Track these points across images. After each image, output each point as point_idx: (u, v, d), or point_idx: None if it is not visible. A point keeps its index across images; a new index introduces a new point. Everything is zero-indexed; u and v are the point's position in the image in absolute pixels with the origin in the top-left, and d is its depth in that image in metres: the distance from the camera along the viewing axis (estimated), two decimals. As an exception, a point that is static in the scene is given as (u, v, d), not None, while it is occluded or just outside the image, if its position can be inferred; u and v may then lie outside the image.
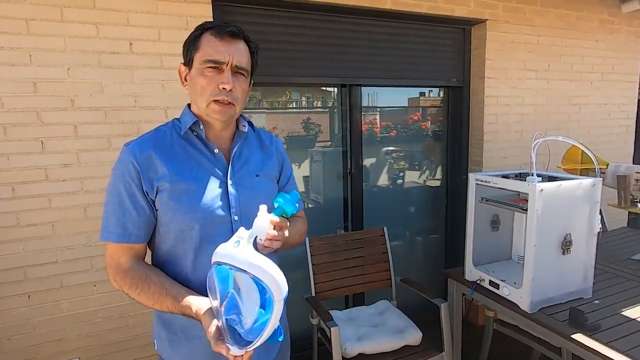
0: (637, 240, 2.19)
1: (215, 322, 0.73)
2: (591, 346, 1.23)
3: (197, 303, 0.80)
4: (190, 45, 0.89)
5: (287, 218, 0.83)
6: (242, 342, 0.71)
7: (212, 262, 0.73)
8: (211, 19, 1.77)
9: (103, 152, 1.69)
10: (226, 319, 0.71)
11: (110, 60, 1.65)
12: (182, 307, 0.81)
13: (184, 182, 0.87)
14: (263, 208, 0.80)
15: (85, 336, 1.76)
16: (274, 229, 0.80)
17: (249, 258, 0.70)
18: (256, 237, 0.78)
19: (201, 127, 0.92)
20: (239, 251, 0.72)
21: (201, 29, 0.89)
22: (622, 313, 1.41)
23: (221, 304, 0.71)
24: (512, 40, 2.50)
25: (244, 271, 0.69)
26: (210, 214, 0.88)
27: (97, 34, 1.62)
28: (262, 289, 0.69)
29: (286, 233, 0.84)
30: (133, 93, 1.70)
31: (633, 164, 2.17)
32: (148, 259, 0.94)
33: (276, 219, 0.80)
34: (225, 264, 0.71)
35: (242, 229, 0.76)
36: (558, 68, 2.70)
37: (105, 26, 1.63)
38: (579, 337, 1.28)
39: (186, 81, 0.92)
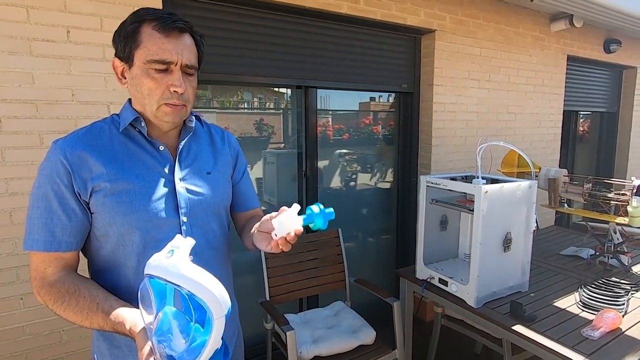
0: (565, 237, 2.43)
1: (150, 342, 0.66)
2: (529, 336, 1.34)
3: (133, 319, 0.71)
4: (128, 39, 0.78)
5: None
6: None
7: (144, 274, 0.66)
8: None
9: (33, 150, 1.52)
10: (157, 340, 0.63)
11: (43, 48, 1.49)
12: (114, 323, 0.72)
13: (125, 181, 0.80)
14: (296, 207, 0.75)
15: (9, 356, 1.56)
16: (292, 236, 0.75)
17: (183, 270, 0.62)
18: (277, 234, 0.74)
19: (142, 123, 0.84)
20: (172, 262, 0.63)
21: (139, 20, 0.78)
22: (554, 304, 1.55)
23: (154, 321, 0.64)
24: (457, 51, 2.65)
25: (177, 286, 0.62)
26: (154, 216, 0.82)
27: (27, 19, 1.46)
28: (198, 306, 0.62)
29: (294, 241, 0.80)
30: (70, 86, 1.55)
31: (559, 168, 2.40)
32: (85, 268, 0.86)
33: (300, 226, 0.75)
34: (156, 277, 0.64)
35: (178, 237, 0.69)
36: (497, 79, 2.91)
37: (37, 10, 1.47)
38: (518, 328, 1.38)
39: (124, 77, 0.83)
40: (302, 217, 0.76)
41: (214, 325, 0.61)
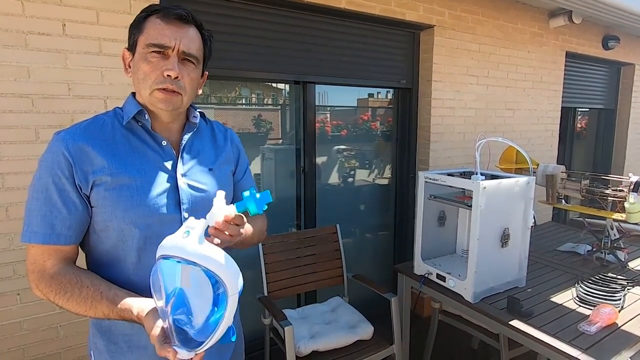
0: (562, 233, 2.43)
1: (160, 323, 0.67)
2: (526, 331, 1.34)
3: (139, 305, 0.72)
4: (135, 29, 0.82)
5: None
6: (191, 343, 0.65)
7: (157, 256, 0.67)
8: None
9: (29, 144, 1.51)
10: (174, 319, 0.64)
11: (39, 42, 1.48)
12: (120, 310, 0.73)
13: (127, 175, 0.79)
14: (220, 195, 0.73)
15: (6, 352, 1.56)
16: (229, 223, 0.73)
17: (200, 249, 0.65)
18: (208, 225, 0.71)
19: (146, 117, 0.84)
20: (189, 242, 0.65)
21: (148, 12, 0.82)
22: (551, 299, 1.55)
23: (167, 302, 0.65)
24: (456, 47, 2.64)
25: (194, 263, 0.64)
26: (155, 212, 0.81)
27: (22, 12, 1.44)
28: (215, 283, 0.64)
29: (242, 231, 0.77)
30: (66, 80, 1.54)
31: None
32: (82, 263, 0.85)
33: (232, 212, 0.73)
34: (172, 256, 0.65)
35: (192, 219, 0.70)
36: (496, 75, 2.91)
37: (33, 3, 1.45)
38: (515, 323, 1.39)
39: (130, 68, 0.85)
40: (234, 204, 0.75)
41: (229, 302, 0.64)
